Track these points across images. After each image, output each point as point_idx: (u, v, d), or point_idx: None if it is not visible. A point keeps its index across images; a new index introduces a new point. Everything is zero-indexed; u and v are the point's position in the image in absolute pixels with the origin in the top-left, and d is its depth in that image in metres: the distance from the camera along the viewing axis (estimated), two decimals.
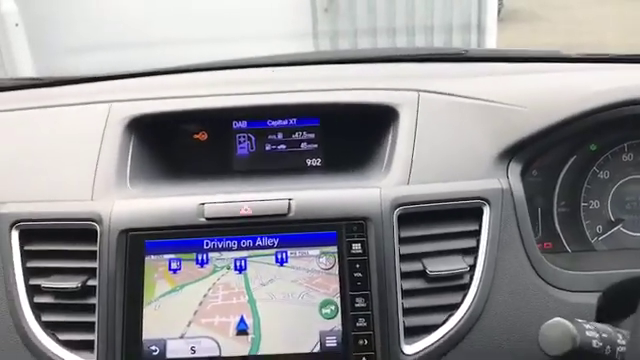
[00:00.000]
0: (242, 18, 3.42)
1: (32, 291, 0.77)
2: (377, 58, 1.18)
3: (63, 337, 0.75)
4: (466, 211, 0.79)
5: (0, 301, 0.76)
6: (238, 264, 0.75)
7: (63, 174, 0.84)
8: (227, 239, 0.76)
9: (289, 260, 0.75)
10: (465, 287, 0.76)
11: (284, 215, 0.77)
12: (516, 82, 0.95)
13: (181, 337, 0.73)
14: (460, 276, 0.76)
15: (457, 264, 0.76)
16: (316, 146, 0.94)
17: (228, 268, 0.75)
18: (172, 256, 0.75)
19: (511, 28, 6.64)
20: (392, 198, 0.77)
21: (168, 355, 0.72)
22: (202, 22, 3.36)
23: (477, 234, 0.78)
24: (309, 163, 0.95)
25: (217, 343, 0.73)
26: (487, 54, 1.34)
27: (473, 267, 0.77)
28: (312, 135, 0.94)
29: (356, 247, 0.75)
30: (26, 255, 0.78)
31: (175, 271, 0.75)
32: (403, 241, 0.77)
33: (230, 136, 0.94)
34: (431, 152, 0.84)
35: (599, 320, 0.71)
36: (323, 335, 0.73)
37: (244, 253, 0.76)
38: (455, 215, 0.79)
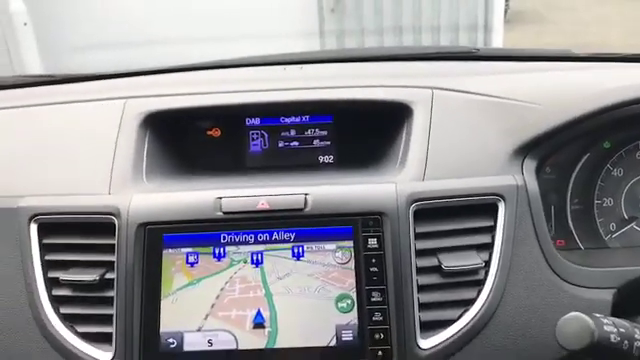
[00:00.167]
0: (248, 17, 3.43)
1: (51, 284, 0.77)
2: (389, 56, 1.19)
3: (81, 329, 0.76)
4: (481, 207, 0.79)
5: (20, 293, 0.77)
6: (255, 258, 0.76)
7: (80, 169, 0.85)
8: (244, 233, 0.77)
9: (305, 254, 0.76)
10: (480, 283, 0.76)
11: (300, 210, 0.77)
12: (529, 80, 0.96)
13: (198, 330, 0.73)
14: (475, 272, 0.76)
15: (472, 260, 0.76)
16: (329, 143, 0.95)
17: (245, 262, 0.76)
18: (189, 250, 0.76)
19: (517, 29, 6.63)
20: (408, 193, 0.78)
21: (185, 348, 0.73)
22: (207, 21, 3.37)
23: (492, 230, 0.78)
24: (322, 160, 0.95)
25: (234, 336, 0.73)
26: (498, 53, 1.34)
27: (488, 263, 0.77)
28: (325, 132, 0.95)
29: (372, 242, 0.76)
30: (44, 248, 0.79)
31: (192, 264, 0.76)
32: (419, 236, 0.77)
33: (243, 133, 0.95)
34: (446, 149, 0.84)
35: (615, 316, 0.71)
36: (339, 329, 0.73)
37: (261, 247, 0.76)
38: (470, 211, 0.79)
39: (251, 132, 0.95)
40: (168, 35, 3.12)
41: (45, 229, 0.79)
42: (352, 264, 0.75)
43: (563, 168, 0.93)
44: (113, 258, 0.76)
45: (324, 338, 0.73)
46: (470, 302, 0.76)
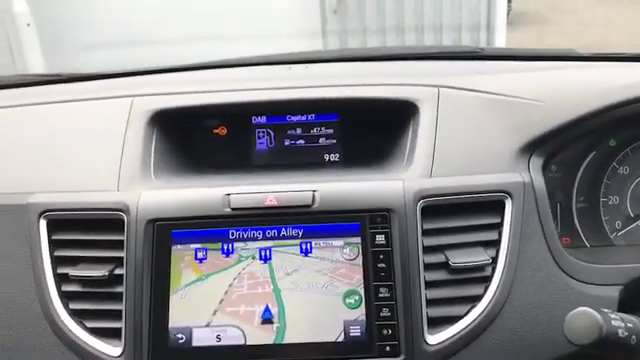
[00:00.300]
0: (250, 17, 3.44)
1: (60, 279, 0.78)
2: (394, 56, 1.19)
3: (91, 325, 0.76)
4: (488, 204, 0.80)
5: (29, 289, 0.78)
6: (263, 254, 0.76)
7: (89, 166, 0.85)
8: (252, 229, 0.77)
9: (313, 250, 0.76)
10: (487, 279, 0.77)
11: (308, 206, 0.78)
12: (534, 78, 0.96)
13: (207, 325, 0.74)
14: (482, 268, 0.77)
15: (479, 256, 0.77)
16: (335, 141, 0.95)
17: (253, 258, 0.76)
18: (198, 246, 0.77)
19: (519, 31, 6.63)
20: (415, 190, 0.78)
21: (194, 343, 0.73)
22: (210, 21, 3.37)
23: (499, 227, 0.79)
24: (327, 158, 0.95)
25: (242, 332, 0.73)
26: (502, 52, 1.35)
27: (495, 259, 0.77)
28: (331, 130, 0.95)
29: (380, 238, 0.76)
30: (54, 244, 0.79)
31: (201, 260, 0.76)
32: (426, 233, 0.77)
33: (250, 131, 0.95)
34: (452, 146, 0.84)
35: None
36: (347, 324, 0.73)
37: (269, 243, 0.77)
38: (477, 208, 0.80)
39: (257, 130, 0.95)
40: (171, 35, 3.13)
41: (54, 225, 0.80)
42: (360, 260, 0.76)
43: (569, 166, 0.93)
44: (122, 254, 0.77)
45: (332, 333, 0.73)
46: (477, 298, 0.76)
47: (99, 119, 0.91)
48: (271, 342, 0.73)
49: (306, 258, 0.76)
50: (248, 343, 0.73)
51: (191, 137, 0.95)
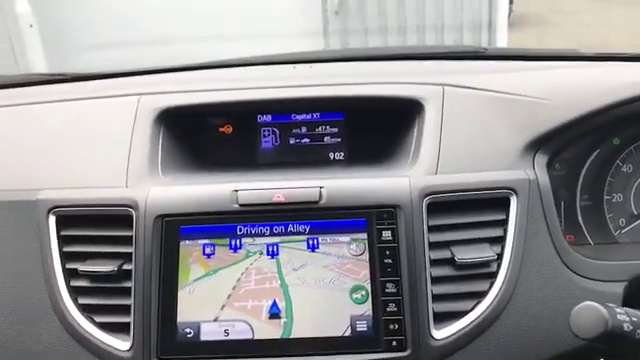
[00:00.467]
0: (252, 17, 3.44)
1: (69, 275, 0.79)
2: (398, 55, 1.20)
3: (99, 319, 0.77)
4: (493, 201, 0.80)
5: (39, 284, 0.78)
6: (270, 249, 0.77)
7: (97, 163, 0.86)
8: (260, 225, 0.78)
9: (320, 246, 0.77)
10: (493, 275, 0.77)
11: (315, 202, 0.78)
12: (538, 76, 0.97)
13: (215, 320, 0.74)
14: (488, 264, 0.77)
15: (485, 252, 0.77)
16: (340, 140, 0.96)
17: (261, 253, 0.77)
18: (206, 241, 0.77)
19: (520, 32, 6.64)
20: (421, 187, 0.79)
21: (202, 337, 0.74)
22: (212, 21, 3.38)
23: (504, 223, 0.79)
24: (332, 157, 0.96)
25: (250, 326, 0.74)
26: (506, 52, 1.36)
27: (501, 255, 0.78)
28: (336, 129, 0.96)
29: (386, 234, 0.77)
30: (63, 240, 0.80)
31: (209, 256, 0.77)
32: (432, 229, 0.78)
33: (255, 130, 0.96)
34: (458, 144, 0.85)
35: None
36: (354, 319, 0.74)
37: (276, 239, 0.77)
38: (483, 204, 0.80)
39: (263, 129, 0.96)
40: (173, 35, 3.14)
41: (63, 221, 0.81)
42: (366, 256, 0.76)
43: (573, 164, 0.94)
44: (130, 249, 0.78)
45: (339, 328, 0.74)
46: (483, 294, 0.77)
47: (106, 117, 0.91)
48: (278, 337, 0.74)
49: (313, 254, 0.77)
50: (256, 338, 0.74)
51: (197, 135, 0.95)
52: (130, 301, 0.76)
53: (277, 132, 0.96)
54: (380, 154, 0.92)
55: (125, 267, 0.78)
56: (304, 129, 0.96)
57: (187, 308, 0.75)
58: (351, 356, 0.73)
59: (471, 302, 0.76)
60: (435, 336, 0.74)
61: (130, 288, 0.76)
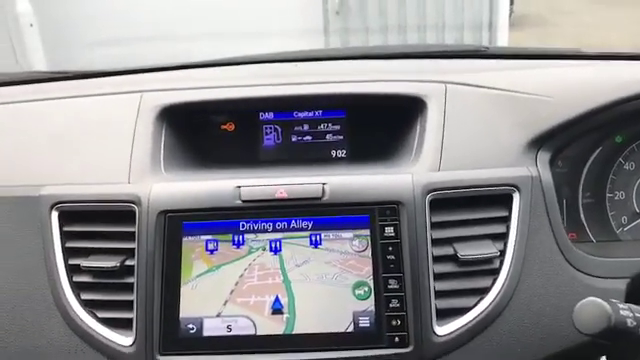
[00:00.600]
0: (252, 15, 3.44)
1: (72, 270, 0.79)
2: (399, 54, 1.20)
3: (102, 315, 0.77)
4: (496, 197, 0.80)
5: (41, 280, 0.78)
6: (273, 245, 0.77)
7: (99, 159, 0.86)
8: (263, 221, 0.78)
9: (323, 242, 0.77)
10: (495, 272, 0.78)
11: (318, 199, 0.78)
12: (541, 74, 0.97)
13: (217, 316, 0.74)
14: (490, 261, 0.78)
15: (487, 249, 0.77)
16: (342, 138, 0.96)
17: (263, 249, 0.77)
18: (209, 237, 0.77)
19: (520, 33, 6.65)
20: (424, 183, 0.79)
21: (205, 333, 0.74)
22: (214, 19, 3.38)
23: (507, 220, 0.79)
24: (334, 154, 0.96)
25: (253, 322, 0.74)
26: (507, 51, 1.36)
27: (503, 252, 0.78)
28: (337, 127, 0.96)
29: (389, 230, 0.77)
30: (65, 236, 0.80)
31: (212, 252, 0.77)
32: (435, 226, 0.78)
33: (257, 127, 0.96)
34: (460, 141, 0.85)
35: None
36: (356, 315, 0.74)
37: (279, 235, 0.77)
38: (485, 201, 0.80)
39: (265, 126, 0.96)
40: (173, 32, 3.13)
41: (66, 217, 0.81)
42: (369, 252, 0.76)
43: (575, 162, 0.94)
44: (133, 245, 0.78)
45: (341, 324, 0.74)
46: (485, 290, 0.77)
47: (109, 113, 0.91)
48: (281, 332, 0.74)
49: (316, 250, 0.77)
50: (258, 333, 0.74)
51: (199, 133, 0.95)
52: (133, 297, 0.76)
53: (279, 130, 0.96)
54: (382, 152, 0.92)
55: (128, 263, 0.78)
56: (306, 127, 0.96)
57: (190, 304, 0.75)
58: (353, 352, 0.73)
59: (474, 299, 0.76)
60: (438, 332, 0.74)
61: (133, 284, 0.76)
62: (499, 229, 0.79)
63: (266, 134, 0.96)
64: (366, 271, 0.76)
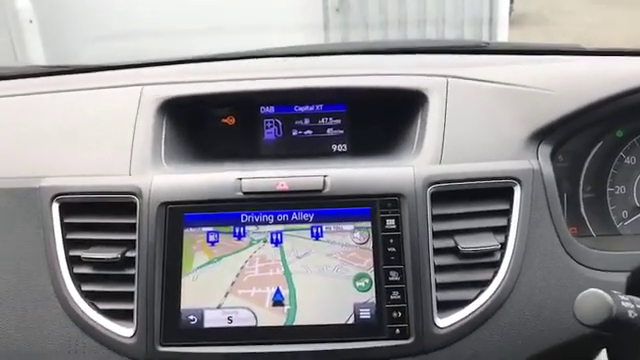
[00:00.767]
0: (252, 10, 3.43)
1: (72, 262, 0.78)
2: (400, 49, 1.20)
3: (103, 306, 0.77)
4: (497, 190, 0.80)
5: (42, 271, 0.78)
6: (274, 237, 0.77)
7: (100, 151, 0.86)
8: (264, 213, 0.78)
9: (324, 234, 0.77)
10: (496, 264, 0.78)
11: (319, 191, 0.78)
12: (542, 68, 0.97)
13: (218, 307, 0.74)
14: (491, 253, 0.78)
15: (489, 241, 0.77)
16: (342, 132, 0.96)
17: (264, 241, 0.77)
18: (210, 229, 0.77)
19: (520, 31, 6.65)
20: (425, 176, 0.79)
21: (206, 324, 0.74)
22: (214, 14, 3.37)
23: (508, 213, 0.79)
24: (335, 149, 0.96)
25: (254, 313, 0.74)
26: (508, 47, 1.35)
27: (504, 245, 0.78)
28: (338, 121, 0.96)
29: (390, 222, 0.77)
30: (66, 227, 0.80)
31: (213, 243, 0.77)
32: (436, 218, 0.78)
33: (258, 121, 0.96)
34: (462, 134, 0.85)
35: None
36: (357, 307, 0.74)
37: (280, 227, 0.77)
38: (486, 194, 0.80)
39: (265, 120, 0.96)
40: (174, 27, 3.13)
41: (67, 208, 0.81)
42: (370, 244, 0.76)
43: (576, 156, 0.94)
44: (134, 237, 0.77)
45: (342, 316, 0.74)
46: (486, 283, 0.77)
47: (109, 106, 0.91)
48: (282, 324, 0.74)
49: (317, 242, 0.77)
50: (259, 325, 0.74)
51: (200, 126, 0.95)
52: (133, 288, 0.76)
53: (280, 124, 0.96)
54: (383, 145, 0.92)
55: (128, 254, 0.78)
56: (307, 121, 0.96)
57: (191, 295, 0.75)
58: (354, 343, 0.73)
59: (474, 291, 0.77)
60: (438, 324, 0.74)
61: (133, 275, 0.76)
62: (500, 222, 0.79)
63: (267, 128, 0.96)
64: (367, 263, 0.76)
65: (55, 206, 0.80)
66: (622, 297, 0.62)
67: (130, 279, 0.76)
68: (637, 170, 0.95)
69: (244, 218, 0.78)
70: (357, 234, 0.77)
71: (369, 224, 0.77)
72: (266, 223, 0.78)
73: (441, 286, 0.76)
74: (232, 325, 0.74)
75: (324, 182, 0.79)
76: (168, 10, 3.47)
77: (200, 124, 0.95)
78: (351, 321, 0.74)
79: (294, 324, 0.74)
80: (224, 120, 0.96)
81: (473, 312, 0.75)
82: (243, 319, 0.74)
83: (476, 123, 0.86)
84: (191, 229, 0.77)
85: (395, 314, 0.74)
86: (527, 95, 0.88)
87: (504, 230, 0.79)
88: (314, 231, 0.77)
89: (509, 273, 0.77)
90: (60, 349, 0.77)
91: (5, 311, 0.78)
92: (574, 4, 8.42)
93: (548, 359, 0.78)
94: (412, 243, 0.76)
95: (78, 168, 0.84)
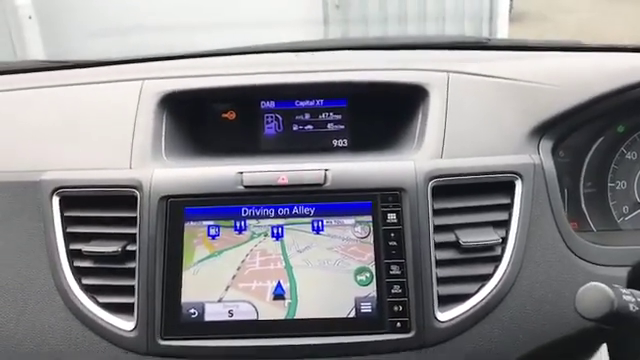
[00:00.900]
0: (252, 5, 3.42)
1: (73, 255, 0.78)
2: (400, 45, 1.20)
3: (103, 300, 0.77)
4: (498, 185, 0.80)
5: (42, 265, 0.78)
6: (275, 231, 0.77)
7: (100, 145, 0.86)
8: (264, 207, 0.78)
9: (325, 228, 0.77)
10: (497, 258, 0.78)
11: (320, 185, 0.78)
12: (543, 63, 0.97)
13: (219, 301, 0.74)
14: (492, 247, 0.78)
15: (490, 236, 0.77)
16: (343, 127, 0.96)
17: (265, 235, 0.77)
18: (211, 222, 0.77)
19: (520, 30, 6.64)
20: (427, 170, 0.79)
21: (206, 318, 0.74)
22: (212, 9, 3.36)
23: (509, 207, 0.79)
24: (335, 144, 0.96)
25: (254, 307, 0.74)
26: (509, 43, 1.35)
27: (505, 239, 0.78)
28: (339, 116, 0.96)
29: (391, 217, 0.77)
30: (66, 221, 0.80)
31: (214, 237, 0.77)
32: (437, 212, 0.78)
33: (258, 116, 0.95)
34: (463, 129, 0.85)
35: None
36: (358, 301, 0.74)
37: (281, 221, 0.77)
38: (488, 188, 0.80)
39: (266, 115, 0.96)
40: (173, 23, 3.11)
41: (67, 202, 0.80)
42: (371, 238, 0.76)
43: (577, 151, 0.94)
44: (134, 230, 0.77)
45: (343, 310, 0.74)
46: (487, 277, 0.77)
47: (110, 100, 0.91)
48: (283, 317, 0.74)
49: (318, 236, 0.77)
50: (260, 318, 0.74)
51: (200, 121, 0.95)
52: (134, 282, 0.76)
53: (280, 118, 0.96)
54: (384, 141, 0.92)
55: (129, 248, 0.77)
56: (307, 115, 0.96)
57: (191, 289, 0.75)
58: (355, 337, 0.73)
59: (475, 285, 0.77)
60: (439, 318, 0.75)
61: (134, 269, 0.76)
62: (501, 216, 0.79)
63: (267, 123, 0.96)
64: (368, 257, 0.75)
65: (55, 199, 0.80)
66: (623, 291, 0.62)
67: (131, 273, 0.76)
68: (638, 165, 0.95)
69: (245, 212, 0.78)
70: (358, 228, 0.77)
71: (370, 218, 0.77)
72: (267, 217, 0.77)
73: (442, 280, 0.76)
74: (233, 319, 0.74)
75: (325, 176, 0.78)
76: (169, 6, 3.46)
77: (200, 119, 0.95)
78: (352, 315, 0.74)
79: (295, 318, 0.74)
80: (224, 115, 0.96)
81: (474, 306, 0.75)
82: (244, 313, 0.74)
83: (477, 118, 0.86)
84: (192, 223, 0.77)
85: (396, 308, 0.74)
86: (528, 90, 0.88)
87: (505, 224, 0.79)
88: (315, 225, 0.77)
89: (510, 267, 0.77)
90: (60, 342, 0.76)
91: (5, 305, 0.78)
92: (574, 3, 8.42)
93: (549, 353, 0.78)
94: (413, 237, 0.76)
95: (78, 162, 0.84)
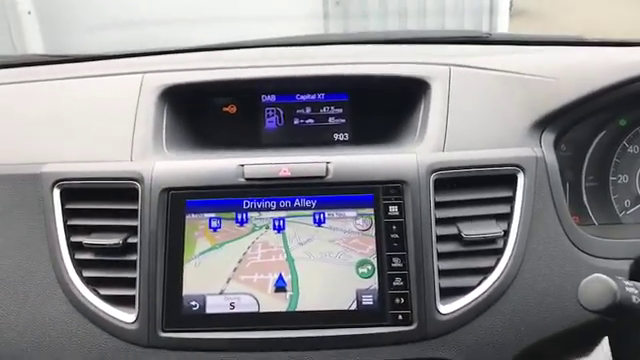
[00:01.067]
0: (251, 0, 3.41)
1: (74, 248, 0.78)
2: (402, 39, 1.19)
3: (104, 292, 0.76)
4: (500, 177, 0.80)
5: (44, 257, 0.78)
6: (277, 224, 0.77)
7: (101, 138, 0.85)
8: (266, 199, 0.77)
9: (326, 221, 0.77)
10: (499, 251, 0.77)
11: (322, 177, 0.78)
12: (545, 57, 0.97)
13: (220, 293, 0.74)
14: (494, 240, 0.77)
15: (492, 229, 0.77)
16: (344, 121, 0.95)
17: (267, 227, 0.77)
18: (212, 215, 0.77)
19: (520, 28, 6.63)
20: (428, 163, 0.79)
21: (208, 310, 0.74)
22: (215, 3, 3.35)
23: (511, 200, 0.79)
24: (336, 138, 0.96)
25: (256, 299, 0.74)
26: (509, 38, 1.35)
27: (507, 232, 0.78)
28: (340, 110, 0.95)
29: (393, 209, 0.76)
30: (67, 213, 0.80)
31: (215, 229, 0.76)
32: (439, 205, 0.78)
33: (259, 109, 0.95)
34: (465, 122, 0.85)
35: None
36: (360, 293, 0.74)
37: (282, 213, 0.77)
38: (490, 181, 0.80)
39: (267, 109, 0.96)
40: (173, 17, 3.10)
41: (68, 194, 0.80)
42: (373, 231, 0.76)
43: (579, 145, 0.94)
44: (136, 223, 0.77)
45: (345, 302, 0.74)
46: (489, 270, 0.77)
47: (110, 93, 0.91)
48: (284, 310, 0.74)
49: (319, 228, 0.76)
50: (261, 311, 0.74)
51: (201, 114, 0.95)
52: (135, 274, 0.76)
53: (281, 112, 0.96)
54: (385, 134, 0.91)
55: (130, 240, 0.77)
56: (308, 109, 0.95)
57: (193, 281, 0.75)
58: (357, 329, 0.73)
59: (477, 278, 0.76)
60: (441, 311, 0.74)
61: (135, 261, 0.76)
62: (503, 209, 0.79)
63: (268, 117, 0.96)
64: (370, 249, 0.75)
65: (56, 192, 0.80)
66: (626, 282, 0.62)
67: (132, 265, 0.76)
68: None
69: (246, 204, 0.77)
70: (360, 221, 0.77)
71: (372, 211, 0.77)
72: (268, 209, 0.77)
73: (444, 273, 0.76)
74: (234, 311, 0.74)
75: (327, 169, 0.78)
76: (169, 0, 3.44)
77: (201, 112, 0.95)
78: (353, 307, 0.74)
79: (296, 310, 0.74)
80: (225, 109, 0.96)
81: (476, 299, 0.75)
82: (245, 305, 0.74)
83: (479, 110, 0.86)
84: (193, 215, 0.77)
85: (398, 300, 0.74)
86: (530, 83, 0.88)
87: (507, 217, 0.79)
88: (317, 217, 0.77)
89: (512, 260, 0.77)
90: (61, 335, 0.76)
91: (6, 297, 0.78)
92: (575, 2, 8.41)
93: (551, 346, 0.78)
94: (415, 230, 0.75)
95: (79, 154, 0.84)
